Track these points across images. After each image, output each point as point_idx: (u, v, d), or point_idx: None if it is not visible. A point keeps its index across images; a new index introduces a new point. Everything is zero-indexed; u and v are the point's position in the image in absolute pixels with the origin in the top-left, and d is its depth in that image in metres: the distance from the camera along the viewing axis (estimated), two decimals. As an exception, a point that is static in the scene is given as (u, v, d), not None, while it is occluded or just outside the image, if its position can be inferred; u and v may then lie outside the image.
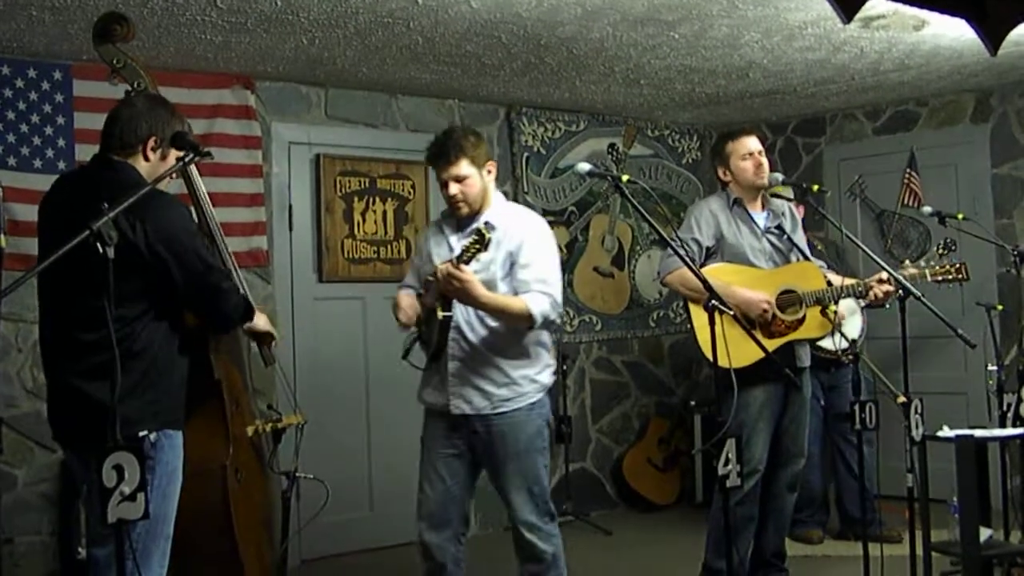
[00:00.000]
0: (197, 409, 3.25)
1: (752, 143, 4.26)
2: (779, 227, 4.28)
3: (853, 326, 5.14)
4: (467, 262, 3.35)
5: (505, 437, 3.59)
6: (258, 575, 3.53)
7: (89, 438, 2.87)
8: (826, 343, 4.75)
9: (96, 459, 2.31)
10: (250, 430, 3.54)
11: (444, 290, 3.42)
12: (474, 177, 3.60)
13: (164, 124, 2.99)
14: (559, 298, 3.60)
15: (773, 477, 4.27)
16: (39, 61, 4.65)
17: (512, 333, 3.58)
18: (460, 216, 3.67)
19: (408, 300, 3.69)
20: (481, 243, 3.30)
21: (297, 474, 3.71)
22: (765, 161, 4.27)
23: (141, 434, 2.74)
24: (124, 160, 2.96)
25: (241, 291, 3.23)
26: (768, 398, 4.13)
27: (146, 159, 2.98)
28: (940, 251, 4.71)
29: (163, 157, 3.00)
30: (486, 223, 3.38)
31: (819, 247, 5.35)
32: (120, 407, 2.80)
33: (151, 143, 2.97)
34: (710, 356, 3.62)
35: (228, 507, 3.33)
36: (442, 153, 3.61)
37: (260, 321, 3.48)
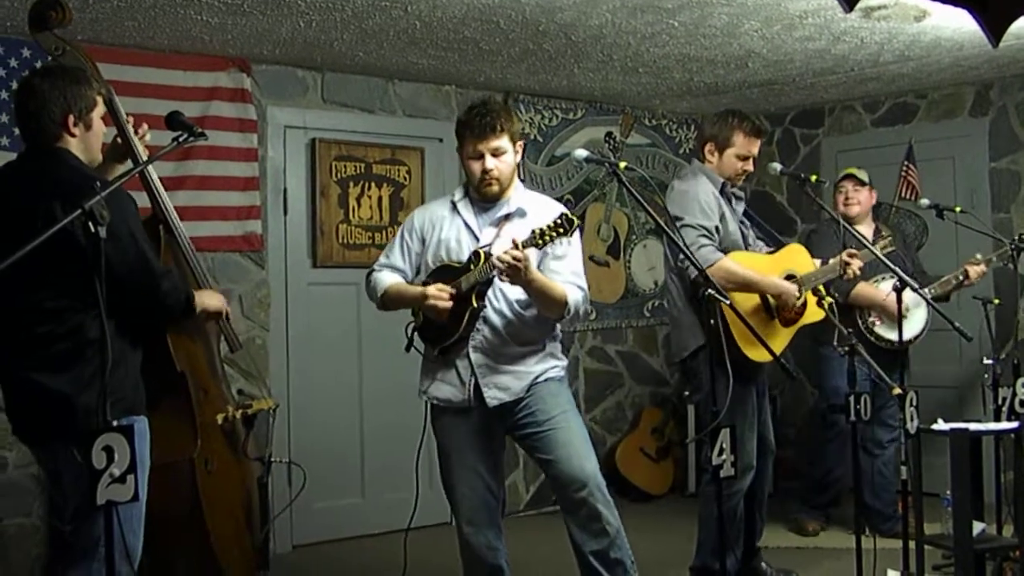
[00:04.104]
0: (163, 403, 3.21)
1: (753, 146, 4.17)
2: (745, 213, 4.28)
3: (918, 319, 5.10)
4: (540, 246, 3.15)
5: (551, 398, 3.46)
6: (238, 560, 3.52)
7: (54, 431, 2.84)
8: (883, 332, 5.00)
9: (82, 446, 2.28)
10: (219, 418, 3.49)
11: (505, 273, 3.17)
12: (510, 154, 3.43)
13: (74, 96, 2.91)
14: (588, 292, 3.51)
15: (757, 469, 4.28)
16: (8, 38, 4.57)
17: (537, 323, 3.46)
18: (490, 194, 3.46)
19: (436, 290, 3.35)
20: (568, 229, 3.09)
21: (272, 459, 3.68)
22: (751, 169, 4.23)
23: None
24: (56, 146, 2.89)
25: (179, 288, 3.10)
26: (752, 395, 4.15)
27: (72, 136, 2.91)
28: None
29: (88, 127, 2.94)
30: (564, 215, 3.12)
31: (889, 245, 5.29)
32: (82, 397, 2.77)
33: (70, 121, 2.90)
34: (746, 351, 3.70)
35: (199, 500, 3.31)
36: (487, 123, 3.36)
37: (211, 301, 3.34)
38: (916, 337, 5.07)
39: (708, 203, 4.00)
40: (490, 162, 3.40)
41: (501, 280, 3.27)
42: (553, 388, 3.49)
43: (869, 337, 5.05)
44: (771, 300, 4.06)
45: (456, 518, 3.59)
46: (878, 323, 5.06)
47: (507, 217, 3.48)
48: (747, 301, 3.95)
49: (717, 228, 3.99)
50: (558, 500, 3.53)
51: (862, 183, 5.21)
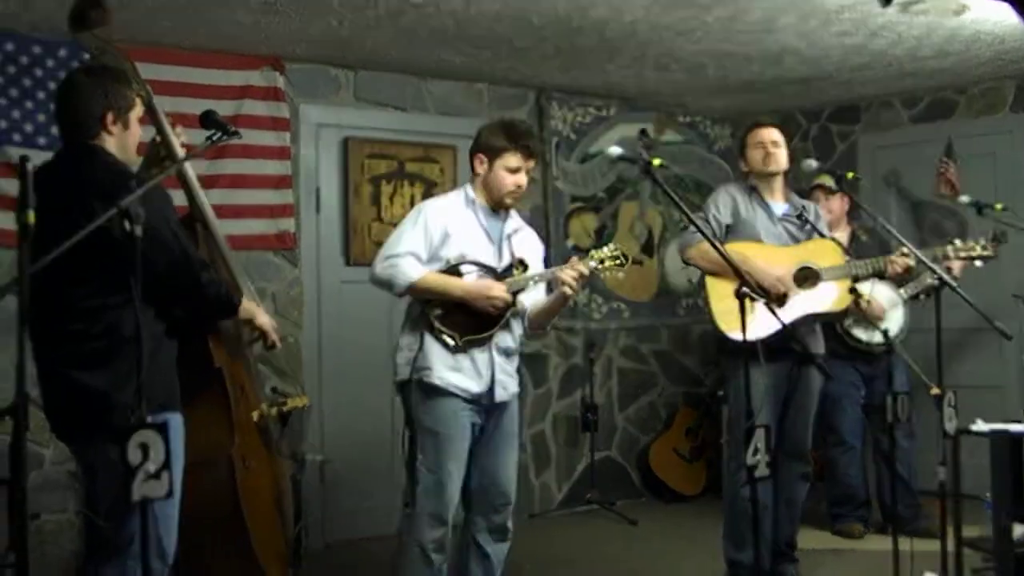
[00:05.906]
0: (200, 399, 3.22)
1: (764, 133, 4.33)
2: (800, 216, 4.33)
3: (895, 319, 5.12)
4: (597, 271, 3.57)
5: (515, 418, 3.78)
6: (272, 557, 3.52)
7: (90, 427, 2.86)
8: (860, 334, 5.04)
9: (116, 442, 2.29)
10: (255, 415, 3.51)
11: (572, 288, 3.52)
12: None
13: (114, 94, 2.93)
14: None
15: (785, 466, 4.26)
16: (45, 38, 4.62)
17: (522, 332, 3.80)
18: (508, 206, 3.72)
19: (496, 283, 3.61)
20: (625, 263, 3.57)
21: (305, 456, 3.69)
22: (777, 152, 4.31)
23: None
24: (92, 143, 2.91)
25: (222, 285, 3.12)
26: (772, 383, 4.12)
27: (110, 134, 2.93)
28: (991, 243, 4.65)
29: (125, 126, 2.96)
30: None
31: (863, 238, 5.30)
32: (117, 394, 2.78)
33: (109, 118, 2.92)
34: (720, 324, 4.06)
35: (237, 497, 3.32)
36: (535, 147, 3.71)
37: (262, 317, 3.41)
38: (886, 335, 5.01)
39: (719, 200, 4.35)
40: (523, 179, 3.68)
41: (564, 292, 3.56)
42: (516, 407, 3.80)
43: (847, 340, 5.14)
44: (765, 285, 4.12)
45: (449, 503, 3.60)
46: (855, 326, 5.10)
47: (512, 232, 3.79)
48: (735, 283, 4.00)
49: (717, 219, 4.27)
50: (476, 503, 3.72)
51: (832, 191, 5.18)
